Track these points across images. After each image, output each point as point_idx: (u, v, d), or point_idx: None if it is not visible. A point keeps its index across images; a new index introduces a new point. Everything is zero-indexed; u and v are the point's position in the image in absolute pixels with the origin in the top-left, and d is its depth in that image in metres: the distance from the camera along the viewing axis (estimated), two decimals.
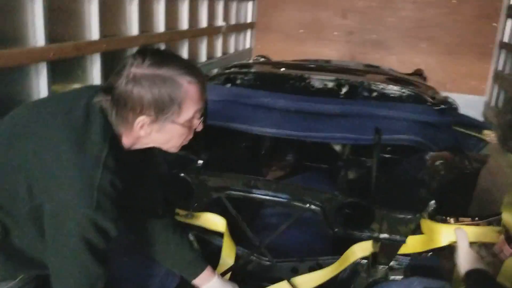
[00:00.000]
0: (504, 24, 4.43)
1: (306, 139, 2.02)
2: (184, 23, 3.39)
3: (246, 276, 1.67)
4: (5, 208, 1.12)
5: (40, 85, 2.03)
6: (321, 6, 5.17)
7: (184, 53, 3.42)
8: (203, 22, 3.80)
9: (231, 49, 4.70)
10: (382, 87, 2.12)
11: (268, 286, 1.60)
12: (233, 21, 4.66)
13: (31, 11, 1.91)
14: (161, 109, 1.08)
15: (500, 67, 4.42)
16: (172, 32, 3.25)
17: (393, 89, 2.11)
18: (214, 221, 1.67)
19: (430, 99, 2.03)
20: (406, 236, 1.36)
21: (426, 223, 1.36)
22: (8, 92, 1.91)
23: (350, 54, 5.04)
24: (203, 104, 1.17)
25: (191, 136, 1.21)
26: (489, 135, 1.80)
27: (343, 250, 1.54)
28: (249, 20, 5.21)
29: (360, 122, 1.96)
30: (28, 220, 1.10)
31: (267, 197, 1.50)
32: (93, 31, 2.30)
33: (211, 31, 3.99)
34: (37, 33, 1.93)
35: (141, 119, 1.09)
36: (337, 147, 2.41)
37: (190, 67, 1.13)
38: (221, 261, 1.64)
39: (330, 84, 2.20)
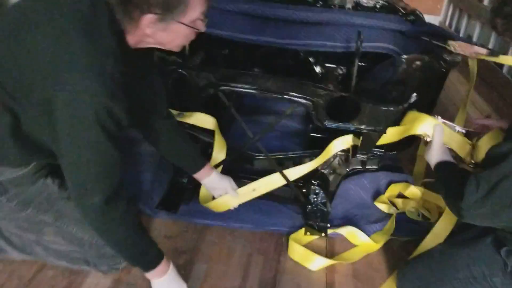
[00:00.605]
0: None
1: (285, 46, 2.09)
2: None
3: (235, 169, 1.83)
4: (17, 97, 1.12)
5: None
6: None
7: None
8: None
9: None
10: None
11: (257, 179, 1.76)
12: None
13: None
14: (168, 7, 1.10)
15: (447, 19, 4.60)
16: None
17: None
18: (205, 120, 1.77)
19: (402, 10, 2.15)
20: (387, 128, 1.54)
21: (412, 114, 1.53)
22: None
23: None
24: (207, 5, 1.19)
25: (193, 38, 1.23)
26: (454, 46, 1.94)
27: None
28: None
29: (336, 29, 2.06)
30: (39, 109, 1.09)
31: (262, 91, 1.61)
32: None
33: None
34: None
35: (148, 17, 1.10)
36: (310, 57, 2.50)
37: None
38: (213, 156, 1.78)
39: None
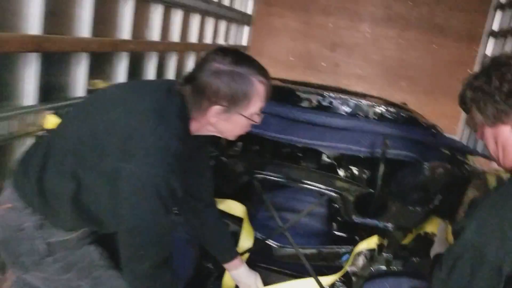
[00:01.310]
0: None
1: (312, 147, 2.23)
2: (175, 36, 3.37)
3: (261, 259, 1.88)
4: (87, 167, 1.26)
5: (78, 75, 2.21)
6: (312, 38, 5.52)
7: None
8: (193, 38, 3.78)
9: None
10: (381, 108, 2.41)
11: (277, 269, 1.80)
12: (231, 42, 4.93)
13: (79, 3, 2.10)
14: (234, 101, 1.27)
15: None
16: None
17: (391, 111, 2.40)
18: (235, 207, 1.87)
19: (424, 123, 2.33)
20: (412, 227, 1.62)
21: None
22: (52, 77, 2.07)
23: (335, 85, 5.39)
24: (265, 102, 1.35)
25: (248, 129, 1.39)
26: (473, 160, 2.06)
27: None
28: (244, 44, 5.49)
29: (361, 136, 2.22)
30: (105, 178, 1.23)
31: (294, 182, 1.72)
32: (125, 32, 2.50)
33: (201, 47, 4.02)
34: (83, 25, 2.12)
35: (215, 108, 1.27)
36: (329, 159, 2.62)
37: (262, 69, 1.32)
38: (240, 243, 1.84)
39: (336, 102, 2.48)
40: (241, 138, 2.22)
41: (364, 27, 5.47)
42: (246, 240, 1.85)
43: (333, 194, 1.69)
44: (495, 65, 1.20)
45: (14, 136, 1.83)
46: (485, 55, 4.83)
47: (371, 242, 1.75)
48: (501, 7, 4.69)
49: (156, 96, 1.29)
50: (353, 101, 2.44)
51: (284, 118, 2.31)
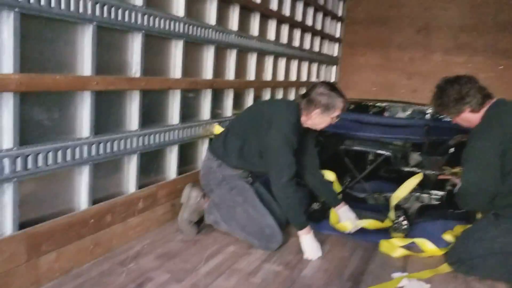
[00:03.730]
0: None
1: (379, 139, 3.31)
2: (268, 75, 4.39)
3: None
4: (251, 131, 2.59)
5: (227, 104, 3.57)
6: (391, 70, 6.53)
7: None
8: (293, 77, 5.07)
9: None
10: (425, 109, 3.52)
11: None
12: (321, 79, 6.17)
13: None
14: (327, 109, 2.54)
15: None
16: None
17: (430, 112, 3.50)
18: (328, 174, 3.05)
19: None
20: (440, 171, 2.69)
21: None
22: (214, 104, 3.41)
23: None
24: (342, 112, 2.60)
25: (328, 125, 2.63)
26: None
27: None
28: (332, 80, 6.70)
29: (412, 129, 3.30)
30: (258, 141, 2.54)
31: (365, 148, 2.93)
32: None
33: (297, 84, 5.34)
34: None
35: (316, 111, 2.54)
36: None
37: (343, 95, 2.58)
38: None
39: (394, 109, 3.61)
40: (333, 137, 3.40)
41: (436, 57, 6.37)
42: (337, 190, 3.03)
43: (387, 153, 2.87)
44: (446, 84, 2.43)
45: (199, 136, 3.20)
46: None
47: (416, 177, 2.82)
48: None
49: (284, 102, 2.64)
50: (406, 107, 3.57)
51: (359, 122, 3.46)
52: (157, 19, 2.59)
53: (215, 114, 3.42)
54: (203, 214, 2.79)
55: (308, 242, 2.53)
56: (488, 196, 2.28)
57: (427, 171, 2.85)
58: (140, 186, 2.68)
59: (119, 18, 2.31)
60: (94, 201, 2.34)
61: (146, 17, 2.49)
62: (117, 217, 2.46)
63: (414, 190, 2.85)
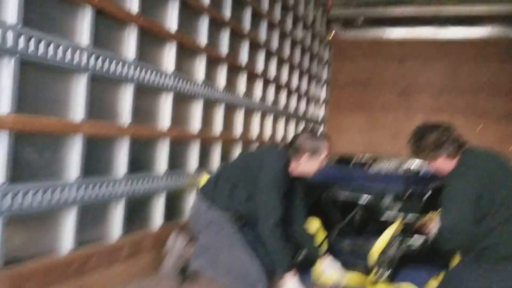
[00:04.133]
0: None
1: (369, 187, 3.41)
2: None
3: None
4: (240, 177, 2.68)
5: (215, 156, 3.68)
6: (376, 130, 6.75)
7: None
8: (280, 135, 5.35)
9: None
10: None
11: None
12: None
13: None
14: (314, 152, 2.67)
15: None
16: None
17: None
18: (314, 222, 3.10)
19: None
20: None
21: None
22: (201, 157, 3.52)
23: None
24: (328, 154, 2.73)
25: (319, 170, 2.74)
26: None
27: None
28: None
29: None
30: (248, 184, 2.63)
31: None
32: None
33: None
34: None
35: (305, 156, 2.67)
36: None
37: (327, 139, 2.74)
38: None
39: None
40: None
41: (418, 117, 6.61)
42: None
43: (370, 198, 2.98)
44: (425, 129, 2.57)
45: (186, 186, 3.27)
46: None
47: (393, 226, 2.89)
48: None
49: (275, 147, 2.83)
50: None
51: (345, 173, 3.58)
52: (148, 72, 2.77)
53: (202, 165, 3.53)
54: (188, 262, 2.80)
55: (291, 285, 2.55)
56: (468, 234, 2.34)
57: (407, 216, 2.93)
58: (126, 232, 2.71)
59: (112, 70, 2.47)
60: (79, 244, 2.37)
61: (138, 69, 2.67)
62: (102, 262, 2.48)
63: (397, 236, 2.92)
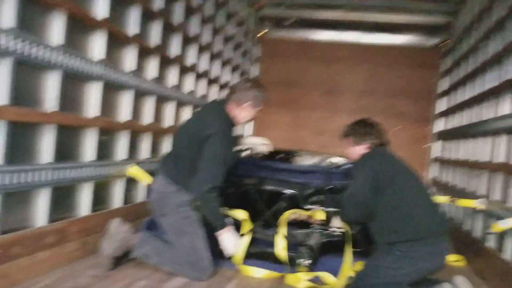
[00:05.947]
0: (432, 146, 6.38)
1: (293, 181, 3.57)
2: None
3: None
4: (197, 152, 2.70)
5: (145, 147, 3.68)
6: (301, 128, 7.00)
7: None
8: None
9: None
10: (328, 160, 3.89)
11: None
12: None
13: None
14: (256, 103, 2.85)
15: (435, 174, 6.16)
16: None
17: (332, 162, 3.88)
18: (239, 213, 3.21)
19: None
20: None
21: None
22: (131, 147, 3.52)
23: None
24: (263, 105, 2.90)
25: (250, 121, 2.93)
26: None
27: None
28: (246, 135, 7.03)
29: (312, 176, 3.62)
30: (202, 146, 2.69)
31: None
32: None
33: None
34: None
35: (248, 103, 2.82)
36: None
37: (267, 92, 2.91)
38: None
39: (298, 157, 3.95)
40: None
41: (342, 116, 6.93)
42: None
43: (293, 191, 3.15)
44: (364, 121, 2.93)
45: (112, 176, 3.26)
46: (433, 134, 6.30)
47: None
48: (441, 95, 6.25)
49: (214, 104, 3.00)
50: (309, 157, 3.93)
51: (268, 167, 3.72)
52: (76, 59, 2.74)
53: (131, 155, 3.52)
54: (128, 250, 2.81)
55: (228, 238, 2.76)
56: (363, 203, 2.62)
57: (327, 209, 3.12)
58: (51, 220, 2.67)
59: (38, 55, 2.42)
60: (2, 231, 2.30)
61: (65, 56, 2.63)
62: (25, 249, 2.43)
63: (317, 227, 3.13)
